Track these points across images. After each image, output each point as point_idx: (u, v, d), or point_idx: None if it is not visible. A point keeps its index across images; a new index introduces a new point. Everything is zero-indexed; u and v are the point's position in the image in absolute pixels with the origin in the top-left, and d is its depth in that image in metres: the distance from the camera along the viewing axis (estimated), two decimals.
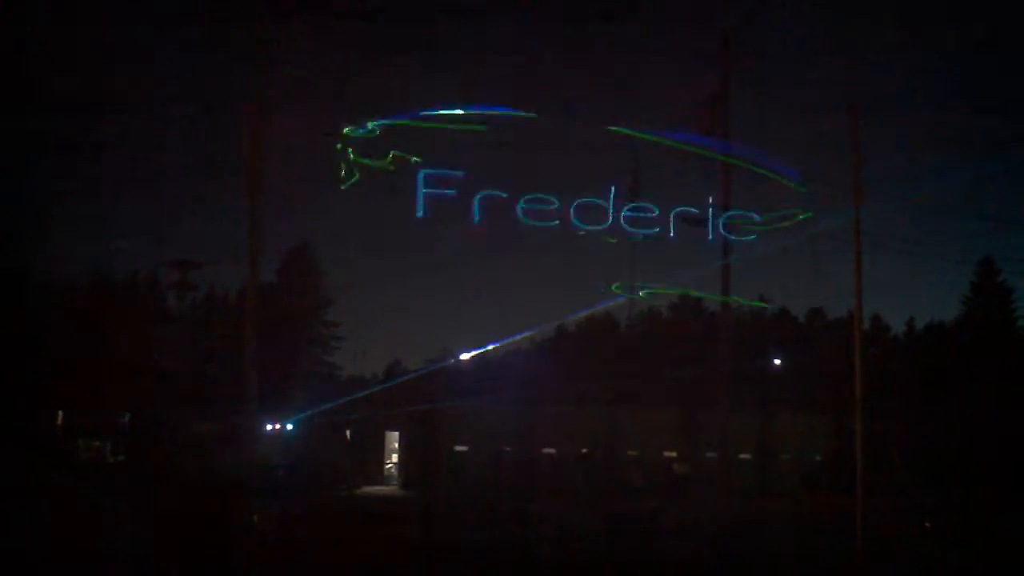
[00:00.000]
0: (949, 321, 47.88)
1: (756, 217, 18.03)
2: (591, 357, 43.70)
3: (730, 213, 18.60)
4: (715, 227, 18.10)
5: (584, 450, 39.21)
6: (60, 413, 34.79)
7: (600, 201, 16.69)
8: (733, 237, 18.68)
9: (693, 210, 18.05)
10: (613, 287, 18.55)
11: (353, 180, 15.37)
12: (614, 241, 16.81)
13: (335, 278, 46.76)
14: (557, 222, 16.47)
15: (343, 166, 15.32)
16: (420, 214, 15.51)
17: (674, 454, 39.72)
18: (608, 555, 18.71)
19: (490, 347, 26.58)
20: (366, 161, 15.26)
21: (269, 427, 31.48)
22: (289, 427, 33.27)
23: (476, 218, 15.79)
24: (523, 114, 16.48)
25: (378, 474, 40.91)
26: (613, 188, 16.91)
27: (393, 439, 42.08)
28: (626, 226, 16.85)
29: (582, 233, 16.47)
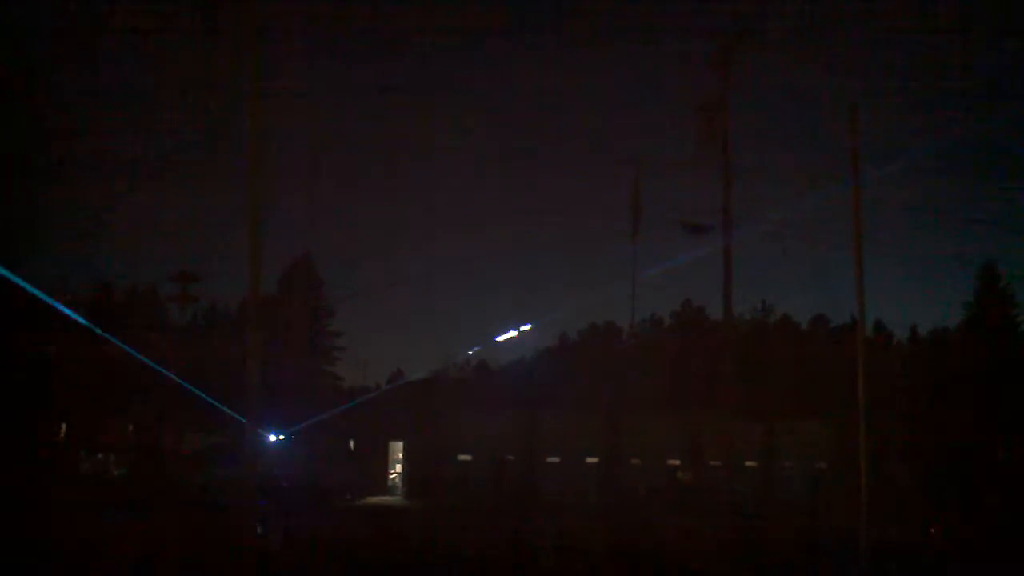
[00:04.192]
0: (953, 327, 47.79)
1: None
2: (594, 365, 43.69)
3: None
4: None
5: (587, 459, 39.13)
6: (63, 425, 34.82)
7: None
8: None
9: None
10: None
11: None
12: None
13: (336, 288, 46.74)
14: None
15: None
16: None
17: (678, 462, 39.62)
18: (610, 563, 18.63)
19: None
20: None
21: (272, 438, 31.46)
22: (292, 438, 33.24)
23: None
24: None
25: (382, 484, 40.85)
26: None
27: (397, 449, 42.04)
28: None
29: None
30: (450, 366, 49.22)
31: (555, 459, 39.70)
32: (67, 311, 24.83)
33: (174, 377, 25.73)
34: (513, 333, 27.46)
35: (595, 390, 38.39)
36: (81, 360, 31.37)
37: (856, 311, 20.40)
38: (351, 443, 41.20)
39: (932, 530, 23.86)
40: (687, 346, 42.98)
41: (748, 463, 34.98)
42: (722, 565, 18.35)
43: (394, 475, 41.94)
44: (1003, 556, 19.05)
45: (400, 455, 41.97)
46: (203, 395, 23.61)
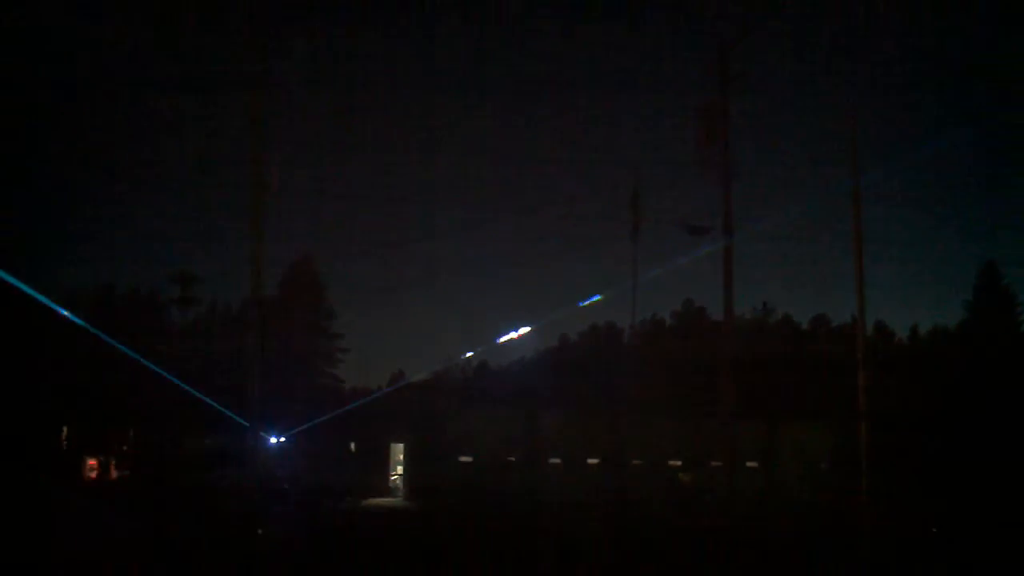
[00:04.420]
0: (953, 326, 47.83)
1: None
2: (595, 366, 43.73)
3: None
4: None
5: (589, 460, 39.14)
6: (64, 429, 34.82)
7: None
8: None
9: None
10: None
11: None
12: None
13: (338, 291, 46.88)
14: None
15: None
16: None
17: (679, 463, 39.61)
18: (613, 565, 18.65)
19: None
20: None
21: (273, 440, 31.48)
22: (293, 440, 33.27)
23: None
24: None
25: (383, 486, 40.87)
26: None
27: (398, 451, 42.07)
28: None
29: None
30: (451, 367, 49.33)
31: (556, 460, 39.71)
32: (68, 314, 24.88)
33: (175, 380, 25.77)
34: (513, 335, 27.55)
35: (596, 391, 38.40)
36: (82, 363, 31.39)
37: (856, 311, 20.45)
38: (352, 445, 41.22)
39: (933, 529, 23.87)
40: (688, 347, 43.02)
41: (749, 464, 34.95)
42: (721, 563, 18.37)
43: (395, 477, 41.97)
44: (1003, 555, 19.07)
45: (401, 457, 42.01)
46: (205, 397, 23.65)
